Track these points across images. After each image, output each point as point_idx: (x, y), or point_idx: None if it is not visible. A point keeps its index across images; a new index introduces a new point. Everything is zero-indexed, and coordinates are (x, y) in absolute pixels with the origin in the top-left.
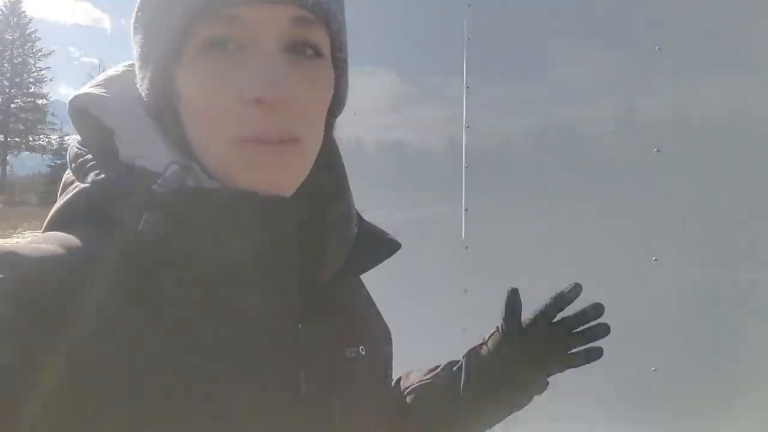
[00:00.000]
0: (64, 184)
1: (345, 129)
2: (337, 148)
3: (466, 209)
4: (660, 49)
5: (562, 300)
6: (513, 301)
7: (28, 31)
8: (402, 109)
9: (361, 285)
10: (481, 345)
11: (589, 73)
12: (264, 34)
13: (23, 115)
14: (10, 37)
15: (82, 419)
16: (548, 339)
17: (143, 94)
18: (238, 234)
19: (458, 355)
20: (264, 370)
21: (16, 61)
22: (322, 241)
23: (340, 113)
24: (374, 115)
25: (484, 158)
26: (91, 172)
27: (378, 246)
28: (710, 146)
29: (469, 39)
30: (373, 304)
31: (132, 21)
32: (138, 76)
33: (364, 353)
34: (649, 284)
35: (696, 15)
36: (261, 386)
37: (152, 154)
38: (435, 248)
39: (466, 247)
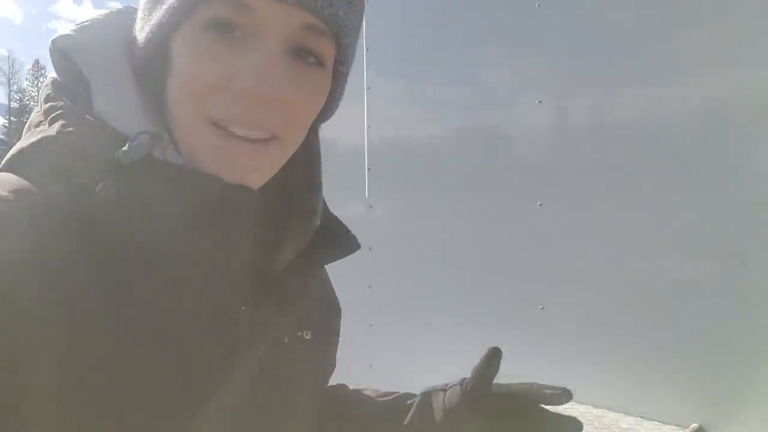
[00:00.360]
0: (30, 123)
1: None
2: (318, 146)
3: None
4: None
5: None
6: (489, 363)
7: None
8: None
9: (323, 271)
10: (439, 392)
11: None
12: (271, 31)
13: None
14: None
15: (17, 366)
16: (511, 417)
17: (139, 45)
18: (195, 214)
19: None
20: (200, 347)
21: None
22: (281, 230)
23: (329, 119)
24: None
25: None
26: (59, 120)
27: (338, 243)
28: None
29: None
30: (327, 282)
31: None
32: (138, 25)
33: (308, 337)
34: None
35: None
36: (194, 362)
37: (124, 116)
38: None
39: (370, 248)
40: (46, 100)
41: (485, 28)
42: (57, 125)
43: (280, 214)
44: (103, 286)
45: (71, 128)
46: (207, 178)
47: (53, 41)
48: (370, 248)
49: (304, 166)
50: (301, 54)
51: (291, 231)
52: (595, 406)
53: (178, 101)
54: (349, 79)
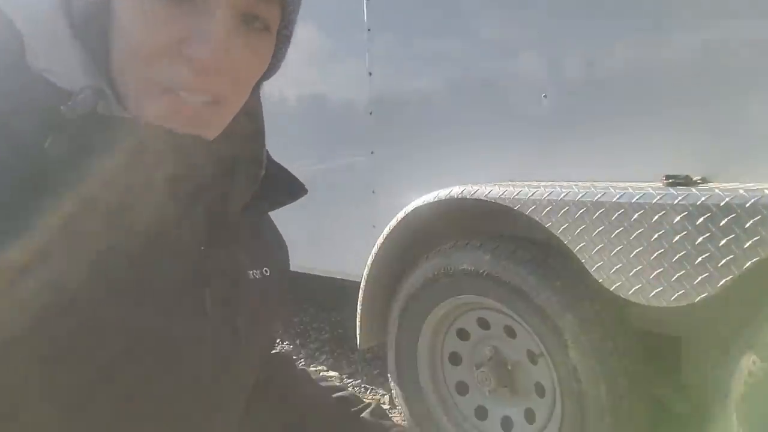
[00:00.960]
0: None
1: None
2: (260, 101)
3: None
4: None
5: None
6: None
7: None
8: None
9: (268, 217)
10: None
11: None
12: None
13: None
14: None
15: None
16: None
17: (74, 6)
18: (147, 164)
19: None
20: (168, 290)
21: None
22: (231, 178)
23: (270, 77)
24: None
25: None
26: None
27: (286, 189)
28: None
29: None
30: (277, 232)
31: None
32: None
33: (268, 274)
34: None
35: None
36: (165, 307)
37: (65, 71)
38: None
39: (373, 192)
40: None
41: None
42: None
43: (228, 164)
44: (63, 238)
45: (12, 86)
46: (156, 129)
47: None
48: (373, 191)
49: (248, 121)
50: (249, 19)
51: (240, 178)
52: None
53: (125, 62)
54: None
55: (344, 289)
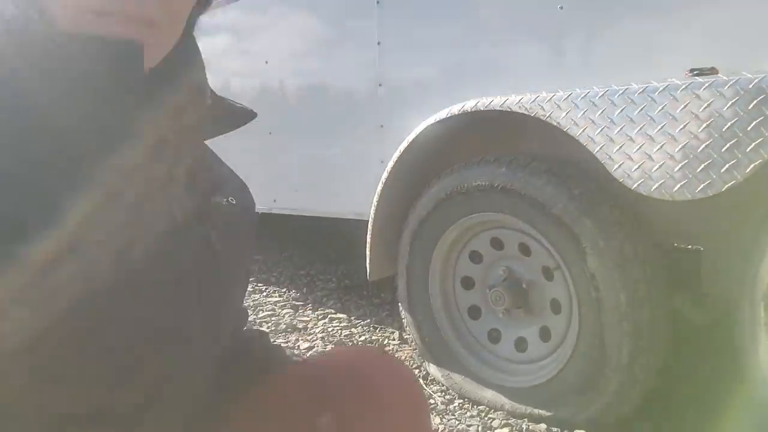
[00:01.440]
0: None
1: None
2: (195, 39)
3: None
4: None
5: None
6: None
7: None
8: None
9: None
10: None
11: None
12: None
13: None
14: None
15: None
16: None
17: None
18: (89, 77)
19: None
20: (137, 204)
21: None
22: (177, 105)
23: (204, 13)
24: None
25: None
26: None
27: (232, 114)
28: None
29: None
30: (233, 173)
31: None
32: None
33: (234, 203)
34: None
35: None
36: (136, 221)
37: None
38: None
39: (380, 84)
40: None
41: None
42: None
43: (173, 93)
44: (16, 159)
45: None
46: (94, 37)
47: None
48: (381, 125)
49: (184, 52)
50: None
51: (186, 105)
52: None
53: None
54: None
55: (351, 238)
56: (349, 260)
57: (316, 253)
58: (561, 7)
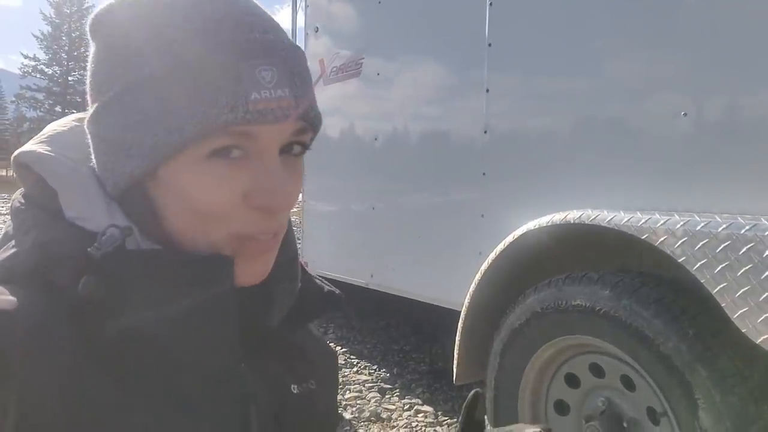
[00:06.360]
0: (5, 235)
1: None
2: (290, 219)
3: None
4: None
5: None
6: (474, 404)
7: (85, 5)
8: None
9: (309, 329)
10: None
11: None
12: (269, 147)
13: (81, 88)
14: (68, 11)
15: None
16: None
17: (110, 180)
18: (180, 293)
19: None
20: (212, 411)
21: (74, 35)
22: (268, 294)
23: None
24: None
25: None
26: (31, 232)
27: (322, 300)
28: None
29: None
30: (322, 342)
31: (108, 92)
32: (100, 153)
33: (314, 387)
34: None
35: None
36: (211, 428)
37: (92, 215)
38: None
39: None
40: (16, 215)
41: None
42: (30, 238)
43: (266, 283)
44: (108, 381)
45: (43, 238)
46: (186, 256)
47: (15, 157)
48: (482, 215)
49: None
50: (288, 147)
51: (277, 294)
52: None
53: (187, 222)
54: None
55: (447, 320)
56: (446, 336)
57: (413, 326)
58: (684, 114)
